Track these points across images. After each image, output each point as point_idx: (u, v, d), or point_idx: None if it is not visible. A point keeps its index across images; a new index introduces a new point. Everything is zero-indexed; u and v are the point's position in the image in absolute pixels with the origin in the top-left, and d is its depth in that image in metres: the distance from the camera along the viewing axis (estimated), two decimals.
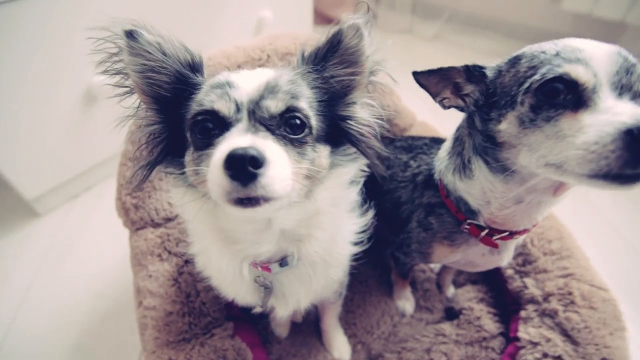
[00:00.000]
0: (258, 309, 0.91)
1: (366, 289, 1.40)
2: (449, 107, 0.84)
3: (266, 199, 0.56)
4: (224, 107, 0.62)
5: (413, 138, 1.26)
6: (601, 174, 0.56)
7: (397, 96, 1.62)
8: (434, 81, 0.81)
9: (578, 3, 2.55)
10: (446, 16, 3.03)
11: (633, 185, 0.57)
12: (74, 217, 1.82)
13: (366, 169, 0.86)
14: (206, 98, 0.64)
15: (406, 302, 1.37)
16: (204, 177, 0.61)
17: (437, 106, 0.85)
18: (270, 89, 0.63)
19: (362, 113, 0.74)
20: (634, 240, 1.79)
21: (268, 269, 0.79)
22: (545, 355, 1.01)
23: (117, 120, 0.73)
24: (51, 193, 1.80)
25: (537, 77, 0.65)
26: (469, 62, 0.79)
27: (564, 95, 0.63)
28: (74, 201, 1.87)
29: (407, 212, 1.07)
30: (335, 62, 0.70)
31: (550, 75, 0.64)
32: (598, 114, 0.59)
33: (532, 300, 1.16)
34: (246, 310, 1.26)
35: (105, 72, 0.66)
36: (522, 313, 1.16)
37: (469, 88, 0.80)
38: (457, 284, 1.44)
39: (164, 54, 0.66)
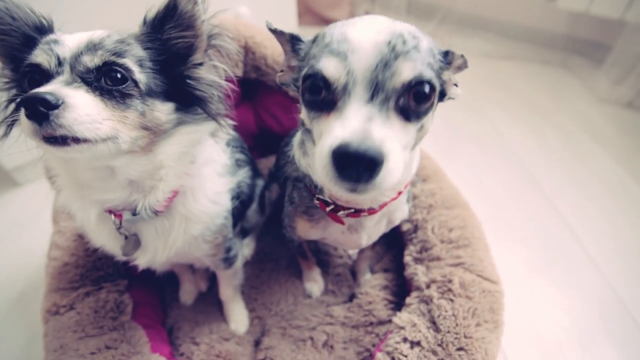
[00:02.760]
0: (121, 257, 0.98)
1: (275, 267, 1.42)
2: (281, 84, 0.83)
3: (75, 140, 0.63)
4: (45, 61, 0.70)
5: None
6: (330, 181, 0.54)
7: None
8: (282, 40, 0.79)
9: (574, 1, 2.40)
10: (440, 16, 2.97)
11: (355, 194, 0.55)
12: (46, 189, 2.02)
13: (231, 130, 0.92)
14: (34, 53, 0.72)
15: (314, 284, 1.37)
16: None
17: None
18: (90, 47, 0.70)
19: (208, 75, 0.80)
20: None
21: (120, 216, 0.86)
22: (405, 339, 0.98)
23: None
24: (30, 166, 2.00)
25: (304, 70, 0.61)
26: None
27: (325, 94, 0.58)
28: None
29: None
30: (172, 25, 0.76)
31: (309, 72, 0.59)
32: (342, 120, 0.55)
33: (418, 287, 1.12)
34: (148, 271, 1.35)
35: None
36: (407, 299, 1.13)
37: (294, 61, 0.78)
38: (373, 272, 1.42)
39: (13, 18, 0.75)
